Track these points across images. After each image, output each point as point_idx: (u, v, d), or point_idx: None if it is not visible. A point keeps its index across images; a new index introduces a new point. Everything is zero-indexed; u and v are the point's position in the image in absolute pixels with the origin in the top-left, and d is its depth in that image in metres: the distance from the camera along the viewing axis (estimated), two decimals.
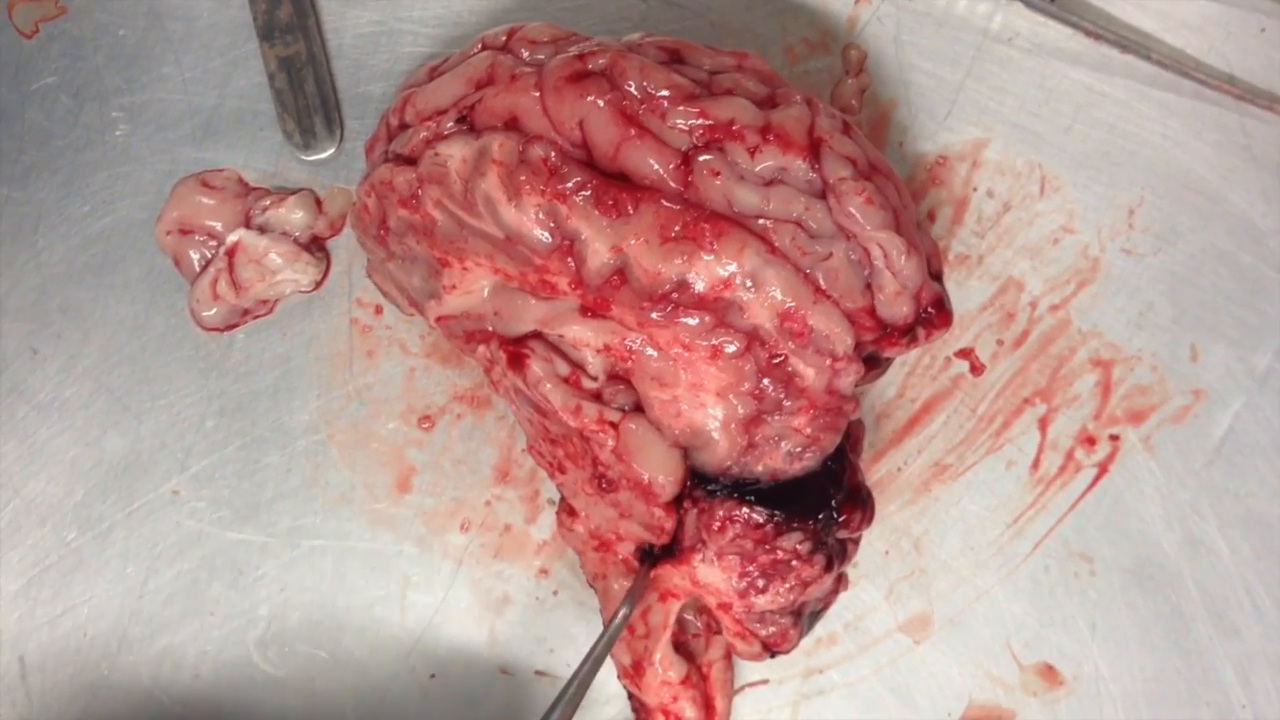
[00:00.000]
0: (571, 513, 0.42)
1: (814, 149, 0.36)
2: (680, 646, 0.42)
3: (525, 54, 0.39)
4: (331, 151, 0.46)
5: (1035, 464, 0.44)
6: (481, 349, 0.41)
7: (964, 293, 0.45)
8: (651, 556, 0.40)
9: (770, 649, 0.41)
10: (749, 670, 0.44)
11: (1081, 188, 0.45)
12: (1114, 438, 0.44)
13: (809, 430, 0.37)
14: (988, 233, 0.45)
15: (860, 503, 0.40)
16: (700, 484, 0.38)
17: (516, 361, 0.39)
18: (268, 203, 0.45)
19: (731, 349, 0.36)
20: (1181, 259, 0.45)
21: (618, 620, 0.40)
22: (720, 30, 0.46)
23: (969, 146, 0.45)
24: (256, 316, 0.45)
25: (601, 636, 0.39)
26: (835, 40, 0.46)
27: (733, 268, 0.36)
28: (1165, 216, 0.45)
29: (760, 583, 0.39)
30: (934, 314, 0.37)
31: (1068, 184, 0.45)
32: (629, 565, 0.41)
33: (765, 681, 0.44)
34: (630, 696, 0.43)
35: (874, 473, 0.44)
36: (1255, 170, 0.45)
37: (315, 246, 0.45)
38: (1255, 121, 0.45)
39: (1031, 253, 0.45)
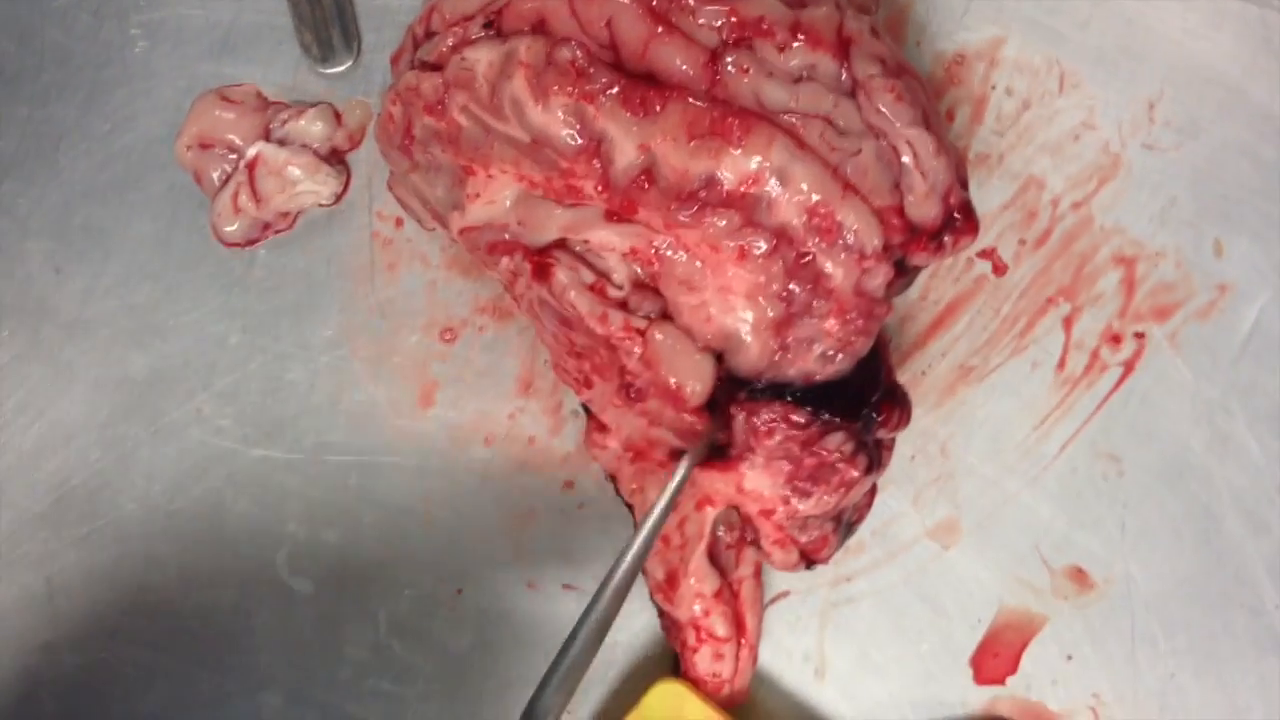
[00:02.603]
0: (602, 429, 0.42)
1: (843, 47, 0.36)
2: (712, 560, 0.42)
3: None
4: (349, 64, 0.46)
5: (1060, 364, 0.44)
6: (505, 261, 0.41)
7: (985, 192, 0.45)
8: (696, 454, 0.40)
9: (808, 557, 0.41)
10: (776, 582, 0.44)
11: (1101, 83, 0.45)
12: (1139, 335, 0.44)
13: (840, 333, 0.37)
14: (1007, 131, 0.45)
15: (898, 401, 0.40)
16: (740, 386, 0.38)
17: (542, 271, 0.39)
18: (286, 115, 0.45)
19: (759, 249, 0.36)
20: (1203, 153, 0.45)
21: (680, 476, 0.39)
22: None
23: (986, 44, 0.45)
24: (278, 231, 0.45)
25: (654, 507, 0.39)
26: None
27: (761, 162, 0.35)
28: (1186, 111, 0.45)
29: (806, 485, 0.39)
30: (961, 220, 0.37)
31: (1087, 80, 0.45)
32: (669, 469, 0.41)
33: (787, 594, 0.44)
34: (661, 614, 0.43)
35: (899, 376, 0.44)
36: (1276, 63, 0.45)
37: (335, 159, 0.45)
38: (1275, 13, 0.45)
39: (1052, 150, 0.45)
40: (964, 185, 0.38)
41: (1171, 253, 0.45)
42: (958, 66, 0.45)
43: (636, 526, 0.39)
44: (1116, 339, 0.44)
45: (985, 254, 0.45)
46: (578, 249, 0.39)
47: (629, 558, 0.39)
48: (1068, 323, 0.45)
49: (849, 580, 0.44)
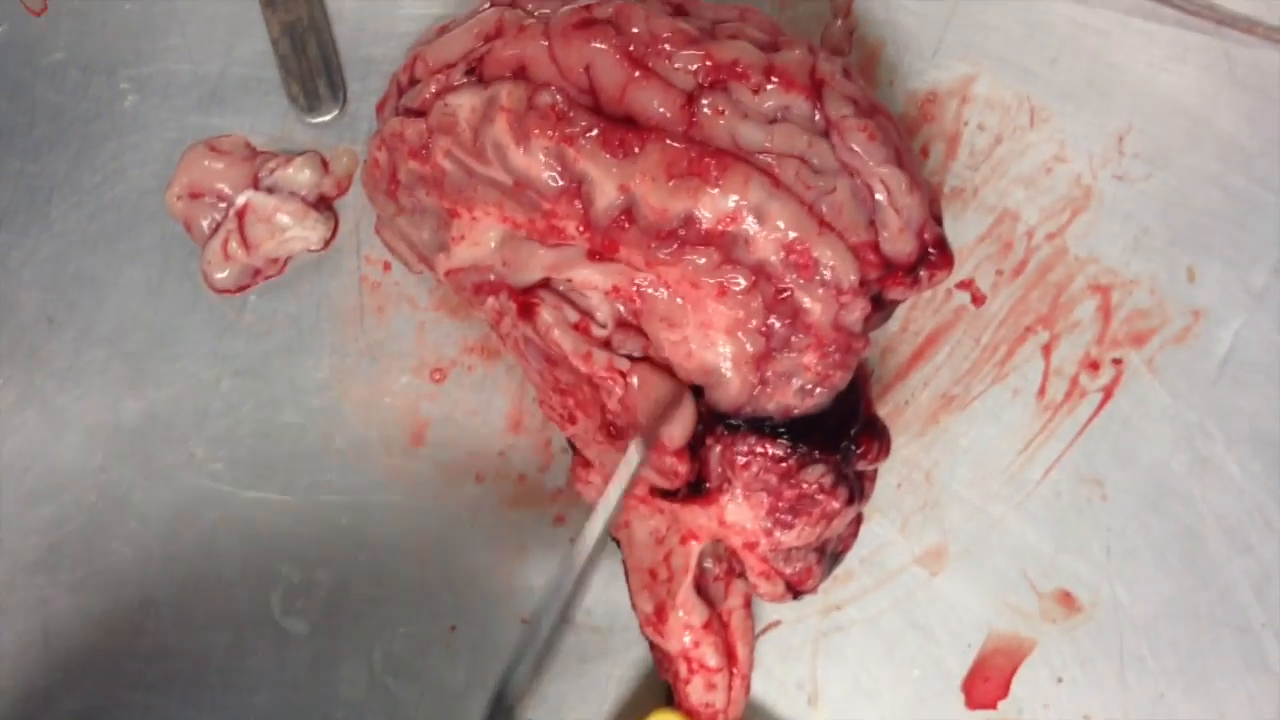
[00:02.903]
0: (586, 465, 0.43)
1: (816, 89, 0.37)
2: (700, 592, 0.42)
3: (532, 8, 0.40)
4: (335, 113, 0.47)
5: (1041, 391, 0.45)
6: (490, 301, 0.42)
7: (961, 225, 0.46)
8: (670, 494, 0.41)
9: (794, 588, 0.41)
10: (766, 611, 0.45)
11: (1070, 117, 0.46)
12: (1117, 361, 0.45)
13: (819, 367, 0.38)
14: (981, 165, 0.46)
15: (876, 434, 0.40)
16: (719, 420, 0.39)
17: (526, 310, 0.40)
18: (274, 164, 0.46)
19: (738, 285, 0.37)
20: (1173, 183, 0.46)
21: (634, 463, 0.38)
22: None
23: (958, 82, 0.46)
24: (267, 277, 0.46)
25: (615, 483, 0.37)
26: None
27: (738, 201, 0.36)
28: (1154, 142, 0.46)
29: (787, 518, 0.39)
30: (936, 255, 0.38)
31: (1057, 114, 0.46)
32: (650, 505, 0.42)
33: (778, 623, 0.44)
34: (652, 647, 0.43)
35: (882, 407, 0.45)
36: (1239, 93, 0.46)
37: (323, 205, 0.46)
38: (1236, 46, 0.46)
39: (1025, 183, 0.46)
40: (938, 220, 0.39)
41: (1146, 280, 0.45)
42: (930, 104, 0.46)
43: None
44: (1095, 365, 0.45)
45: (963, 285, 0.46)
46: (561, 288, 0.40)
47: (588, 542, 0.37)
48: (1047, 350, 0.45)
49: (839, 608, 0.45)
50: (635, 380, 0.39)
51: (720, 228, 0.36)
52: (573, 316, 0.39)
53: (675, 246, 0.37)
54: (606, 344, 0.39)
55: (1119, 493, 0.45)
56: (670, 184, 0.36)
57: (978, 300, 0.46)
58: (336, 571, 0.45)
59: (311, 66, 0.46)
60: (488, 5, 0.41)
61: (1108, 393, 0.45)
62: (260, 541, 0.45)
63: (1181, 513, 0.44)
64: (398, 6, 0.47)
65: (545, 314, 0.39)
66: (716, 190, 0.36)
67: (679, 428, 0.39)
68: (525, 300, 0.40)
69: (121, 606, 0.45)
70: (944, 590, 0.45)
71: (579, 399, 0.41)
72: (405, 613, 0.44)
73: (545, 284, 0.40)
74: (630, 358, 0.39)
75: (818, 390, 0.38)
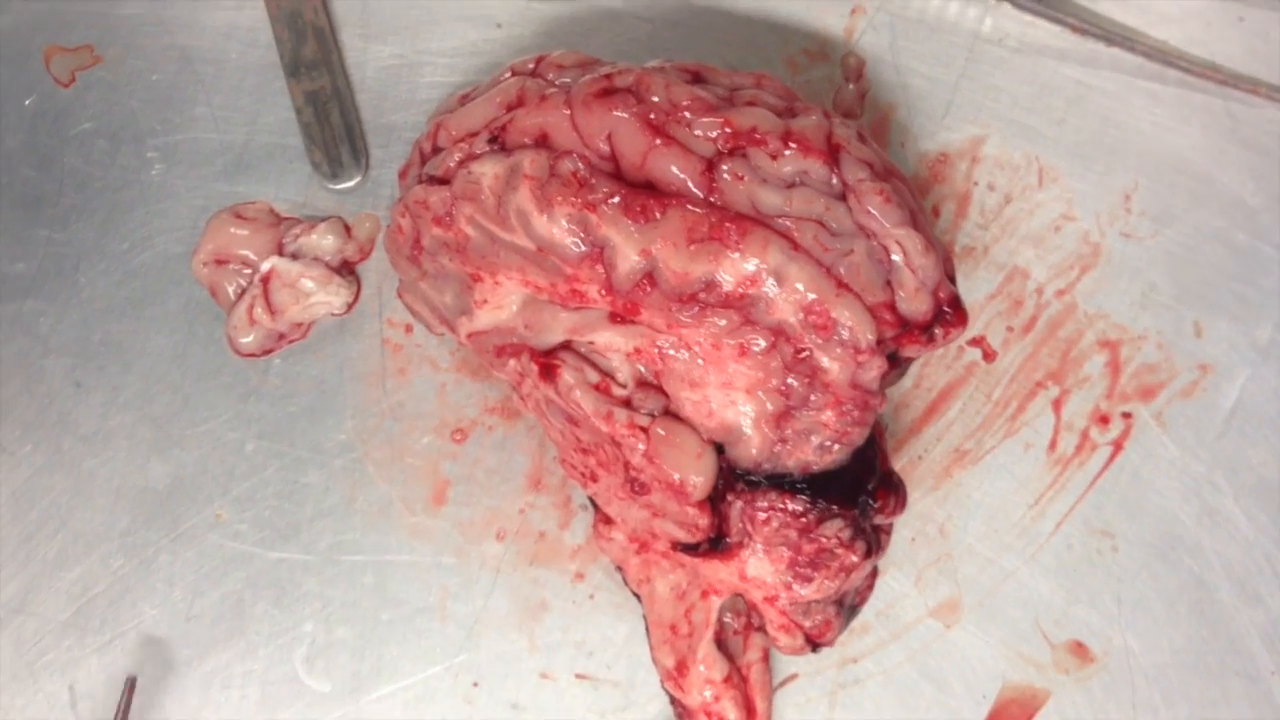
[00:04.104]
0: (608, 522, 0.43)
1: (833, 153, 0.38)
2: (720, 646, 0.43)
3: (553, 77, 0.41)
4: (358, 180, 0.48)
5: (1052, 445, 0.46)
6: (512, 363, 0.42)
7: (972, 283, 0.46)
8: (692, 548, 0.41)
9: (813, 641, 0.42)
10: (784, 665, 0.45)
11: (1078, 177, 0.47)
12: (1126, 415, 0.46)
13: (837, 424, 0.39)
14: (991, 224, 0.47)
15: (893, 488, 0.41)
16: (739, 477, 0.40)
17: (548, 372, 0.40)
18: (299, 230, 0.46)
19: (758, 346, 0.38)
20: (1179, 240, 0.47)
21: None
22: (723, 45, 0.48)
23: (968, 143, 0.47)
24: (291, 341, 0.47)
25: None
26: (834, 50, 0.48)
27: (758, 264, 0.37)
28: (1160, 200, 0.47)
29: (806, 572, 0.40)
30: (951, 313, 0.39)
31: (1065, 174, 0.47)
32: (671, 559, 0.42)
33: (795, 676, 0.45)
34: (673, 701, 0.44)
35: (896, 461, 0.46)
36: (1243, 151, 0.47)
37: (346, 270, 0.47)
38: (1239, 105, 0.47)
39: (1034, 241, 0.47)
40: (952, 280, 0.40)
41: (1153, 335, 0.46)
42: (941, 165, 0.47)
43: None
44: (1105, 419, 0.46)
45: (975, 342, 0.46)
46: (582, 350, 0.40)
47: None
48: (1057, 405, 0.46)
49: (855, 661, 0.45)
50: (661, 430, 0.39)
51: (740, 290, 0.37)
52: (593, 377, 0.40)
53: (697, 309, 0.38)
54: (627, 403, 0.40)
55: (1129, 544, 0.45)
56: (691, 248, 0.37)
57: (989, 356, 0.46)
58: (359, 630, 0.45)
59: (334, 134, 0.47)
60: (509, 74, 0.42)
61: (1117, 446, 0.46)
62: (284, 601, 0.45)
63: (1191, 563, 0.45)
64: (419, 75, 0.48)
65: (567, 375, 0.40)
66: (737, 254, 0.37)
67: (701, 478, 0.39)
68: (547, 362, 0.41)
69: (147, 668, 0.45)
70: (958, 642, 0.45)
71: (601, 458, 0.42)
72: (427, 669, 0.45)
73: (566, 346, 0.41)
74: (651, 415, 0.40)
75: (836, 447, 0.39)
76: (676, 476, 0.39)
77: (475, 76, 0.48)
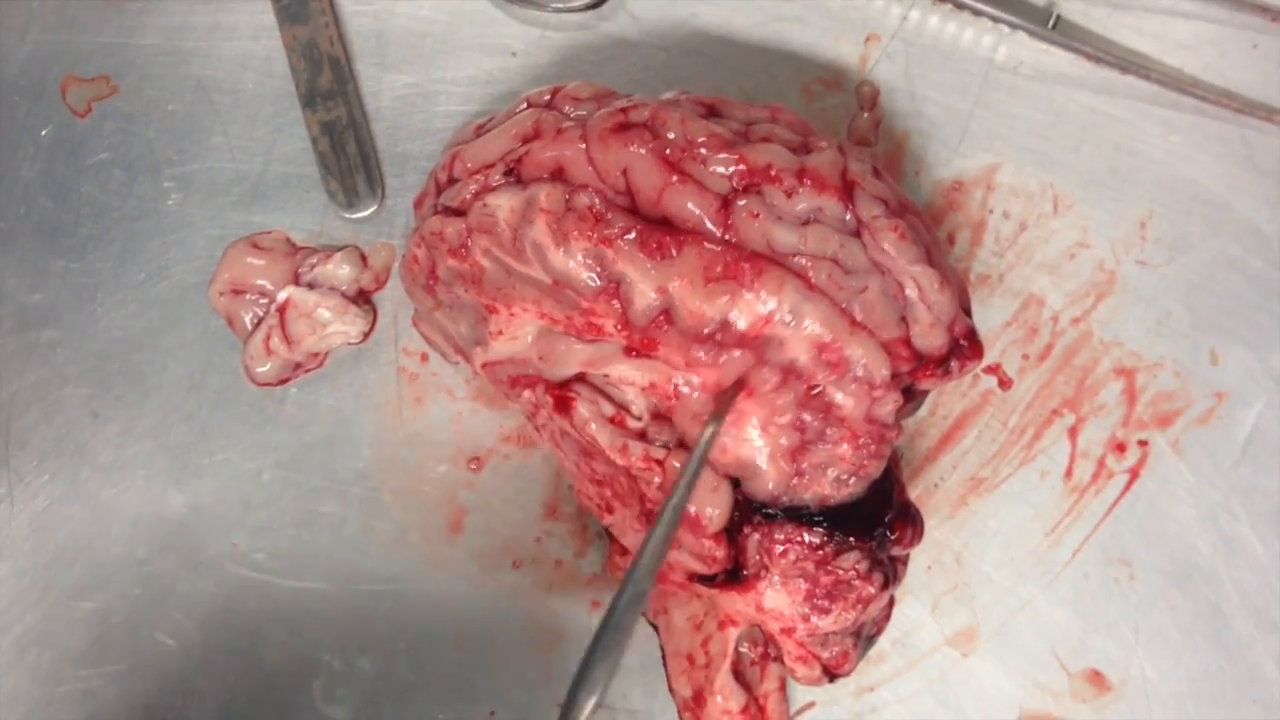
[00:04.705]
0: (624, 552, 0.44)
1: (848, 190, 0.38)
2: (737, 676, 0.43)
3: (569, 110, 0.41)
4: (374, 209, 0.48)
5: (1068, 473, 0.46)
6: (526, 394, 0.42)
7: (987, 311, 0.46)
8: (709, 579, 0.41)
9: (831, 671, 0.42)
10: (800, 694, 0.45)
11: (1093, 204, 0.47)
12: (1143, 443, 0.46)
13: (853, 458, 0.39)
14: (1006, 252, 0.47)
15: (910, 519, 0.41)
16: (756, 510, 0.40)
17: (563, 404, 0.40)
18: (315, 260, 0.47)
19: (771, 384, 0.38)
20: (1194, 267, 0.47)
21: (706, 436, 0.38)
22: (739, 75, 0.48)
23: (982, 171, 0.47)
24: (308, 370, 0.47)
25: (693, 457, 0.38)
26: (848, 78, 0.48)
27: (773, 304, 0.37)
28: (1175, 227, 0.47)
29: (824, 603, 0.40)
30: (966, 346, 0.39)
31: (1079, 201, 0.47)
32: (688, 590, 0.42)
33: (813, 705, 0.45)
34: None
35: (912, 489, 0.46)
36: (1258, 179, 0.47)
37: (362, 299, 0.47)
38: (1254, 132, 0.47)
39: (1050, 269, 0.47)
40: (968, 313, 0.40)
41: (1169, 363, 0.46)
42: (956, 193, 0.47)
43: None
44: (1121, 447, 0.46)
45: (990, 370, 0.46)
46: (597, 382, 0.40)
47: (655, 539, 0.37)
48: (1073, 433, 0.46)
49: (872, 690, 0.45)
50: (676, 463, 0.39)
51: (755, 330, 0.37)
52: (609, 410, 0.40)
53: (713, 349, 0.38)
54: (642, 435, 0.40)
55: (1146, 572, 0.45)
56: (707, 287, 0.37)
57: (1005, 384, 0.46)
58: (376, 659, 0.45)
59: (350, 164, 0.47)
60: (525, 106, 0.42)
61: (1134, 474, 0.46)
62: (302, 630, 0.45)
63: (1208, 591, 0.45)
64: (434, 104, 0.48)
65: (582, 408, 0.40)
66: (752, 294, 0.37)
67: (717, 511, 0.39)
68: (561, 395, 0.41)
69: (165, 698, 0.45)
70: (975, 671, 0.45)
71: (616, 490, 0.42)
72: (444, 698, 0.45)
73: (581, 378, 0.41)
74: (666, 447, 0.40)
75: (853, 480, 0.39)
76: (693, 509, 0.39)
77: (490, 105, 0.48)
